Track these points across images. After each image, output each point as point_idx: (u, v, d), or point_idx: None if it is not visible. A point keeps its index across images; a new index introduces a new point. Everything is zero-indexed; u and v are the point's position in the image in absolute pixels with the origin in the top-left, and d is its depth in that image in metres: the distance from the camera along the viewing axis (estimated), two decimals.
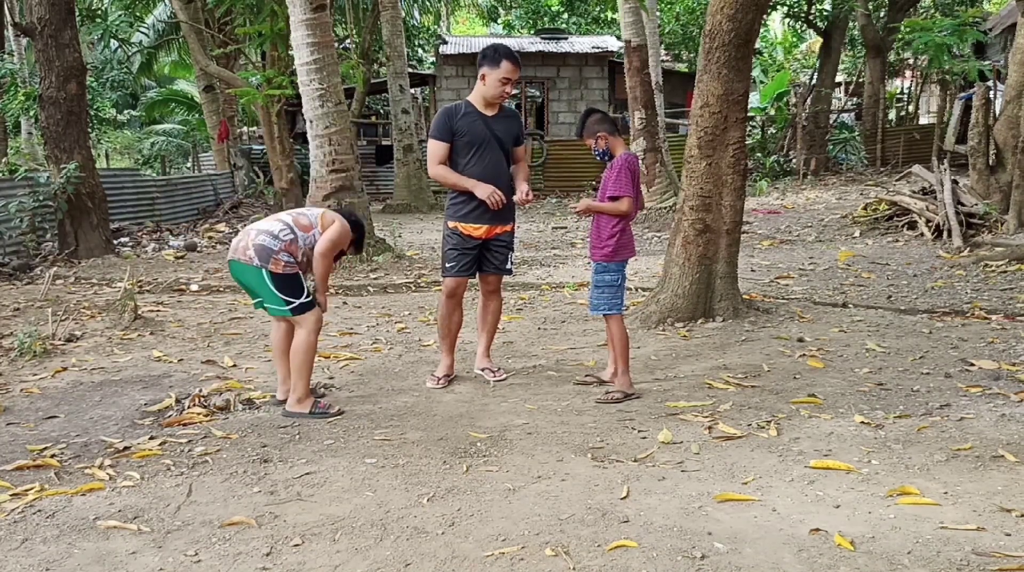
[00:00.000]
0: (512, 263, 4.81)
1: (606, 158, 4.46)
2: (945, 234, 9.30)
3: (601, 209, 4.43)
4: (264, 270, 4.00)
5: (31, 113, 12.24)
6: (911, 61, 23.27)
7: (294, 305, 4.07)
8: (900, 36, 17.83)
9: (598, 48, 21.31)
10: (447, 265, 4.62)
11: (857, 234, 10.46)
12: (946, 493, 3.04)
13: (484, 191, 4.38)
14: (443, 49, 21.30)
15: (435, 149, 4.51)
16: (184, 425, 4.06)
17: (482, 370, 4.81)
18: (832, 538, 2.71)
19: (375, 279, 8.43)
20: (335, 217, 4.24)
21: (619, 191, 4.34)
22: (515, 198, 4.54)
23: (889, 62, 21.85)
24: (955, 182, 9.88)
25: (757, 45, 11.29)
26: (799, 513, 2.92)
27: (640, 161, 13.01)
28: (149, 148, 24.73)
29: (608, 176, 4.42)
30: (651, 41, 13.94)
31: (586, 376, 4.72)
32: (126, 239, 12.06)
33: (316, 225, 4.17)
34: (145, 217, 13.84)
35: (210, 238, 12.73)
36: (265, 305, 4.15)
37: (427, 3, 24.73)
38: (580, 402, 4.30)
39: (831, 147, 19.50)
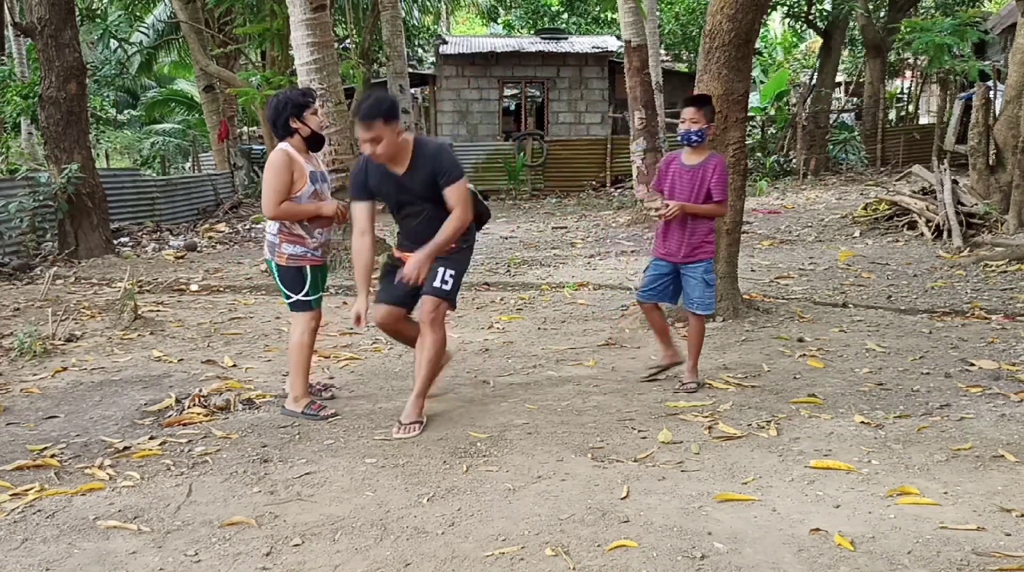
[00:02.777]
0: (441, 285, 3.87)
1: (691, 143, 4.33)
2: (945, 234, 9.30)
3: (702, 210, 4.32)
4: (272, 262, 4.11)
5: (19, 111, 12.21)
6: (911, 61, 23.26)
7: (292, 300, 4.12)
8: (900, 36, 17.83)
9: (598, 48, 21.31)
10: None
11: (857, 234, 10.46)
12: (946, 493, 3.04)
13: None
14: (443, 49, 21.30)
15: (354, 212, 3.96)
16: (184, 425, 4.06)
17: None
18: (832, 538, 2.71)
19: (375, 279, 8.41)
20: (267, 164, 4.03)
21: (725, 196, 4.32)
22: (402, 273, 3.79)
23: (889, 62, 21.84)
24: (955, 182, 9.88)
25: (757, 45, 11.29)
26: (799, 513, 2.92)
27: (641, 160, 13.05)
28: (149, 148, 24.73)
29: (701, 174, 4.30)
30: (651, 41, 13.93)
31: (652, 368, 4.72)
32: (126, 239, 12.06)
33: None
34: (145, 217, 13.83)
35: (210, 238, 12.73)
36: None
37: (427, 3, 24.72)
38: (580, 402, 4.29)
39: (831, 147, 19.49)
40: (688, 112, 4.31)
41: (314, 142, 4.10)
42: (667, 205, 4.31)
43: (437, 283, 3.84)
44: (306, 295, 4.11)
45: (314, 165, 4.15)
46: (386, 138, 3.61)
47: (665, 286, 4.51)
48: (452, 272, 3.87)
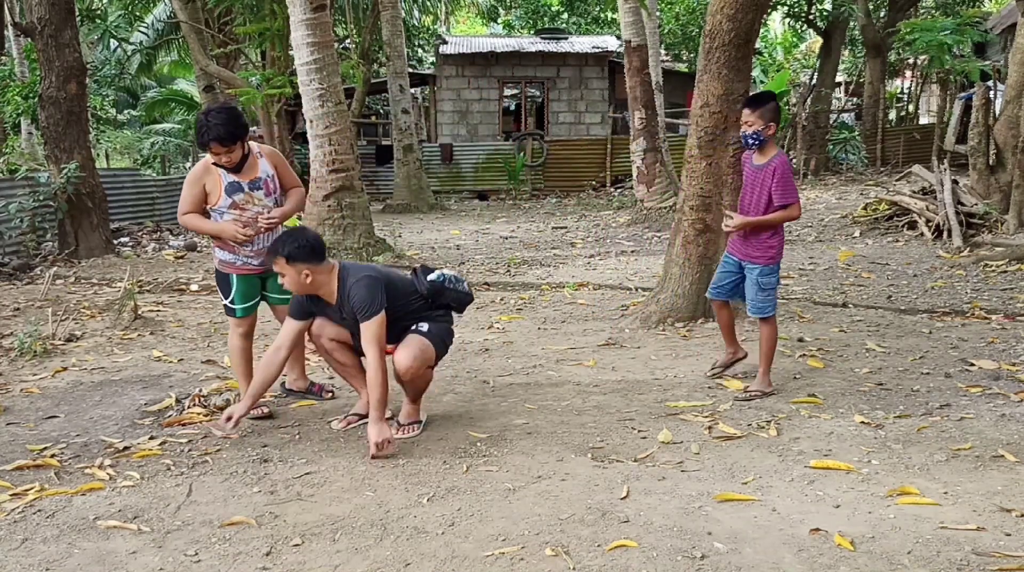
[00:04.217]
0: (417, 326, 3.86)
1: (752, 144, 4.24)
2: (945, 234, 9.30)
3: (768, 221, 4.21)
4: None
5: (21, 111, 12.21)
6: (911, 61, 23.26)
7: (223, 304, 4.21)
8: (900, 36, 17.83)
9: (598, 48, 21.31)
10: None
11: (857, 234, 10.46)
12: (946, 493, 3.04)
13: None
14: (443, 49, 21.30)
15: (284, 328, 3.93)
16: (184, 425, 4.06)
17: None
18: (832, 538, 2.71)
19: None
20: None
21: (789, 199, 4.17)
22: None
23: (889, 62, 21.84)
24: (955, 182, 9.87)
25: (757, 45, 11.28)
26: (799, 513, 2.92)
27: (641, 160, 13.04)
28: (149, 148, 24.72)
29: (763, 177, 4.20)
30: (651, 41, 13.93)
31: (724, 371, 4.67)
32: (126, 239, 12.06)
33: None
34: (145, 217, 13.84)
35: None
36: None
37: (427, 3, 24.72)
38: (580, 402, 4.29)
39: (831, 147, 19.48)
40: (744, 114, 4.23)
41: (229, 166, 3.96)
42: (730, 216, 4.33)
43: (413, 327, 3.79)
44: (232, 303, 4.13)
45: (243, 176, 3.98)
46: (288, 275, 3.61)
47: (733, 284, 4.47)
48: (427, 326, 3.80)
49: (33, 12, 10.11)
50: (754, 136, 4.20)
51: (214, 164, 3.96)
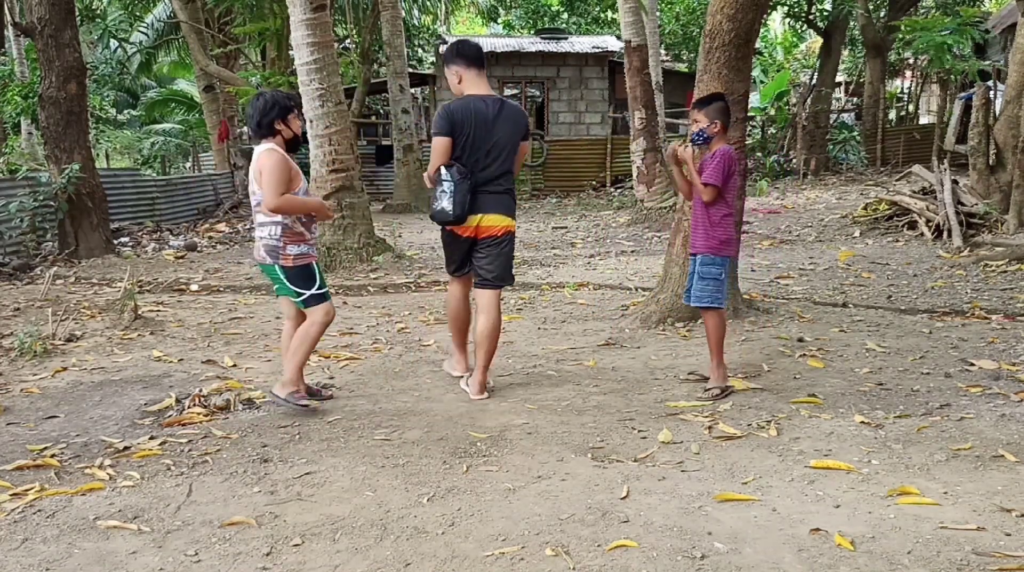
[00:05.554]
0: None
1: (698, 141, 4.39)
2: (945, 234, 9.30)
3: (689, 167, 4.38)
4: (277, 266, 4.13)
5: (20, 111, 12.23)
6: (911, 61, 23.25)
7: (305, 296, 4.15)
8: (900, 36, 17.82)
9: (598, 48, 21.30)
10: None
11: (857, 234, 10.46)
12: (946, 493, 3.04)
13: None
14: (443, 49, 21.27)
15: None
16: (184, 425, 4.06)
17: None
18: (832, 538, 2.71)
19: (375, 279, 8.43)
20: (260, 162, 4.06)
21: (711, 180, 4.28)
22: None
23: (889, 62, 21.84)
24: (955, 182, 9.88)
25: (757, 45, 11.28)
26: (799, 513, 2.92)
27: (641, 160, 13.04)
28: (149, 148, 24.74)
29: (706, 162, 4.34)
30: (651, 41, 13.93)
31: (689, 374, 4.68)
32: (126, 239, 12.06)
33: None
34: (145, 217, 13.84)
35: (210, 238, 12.73)
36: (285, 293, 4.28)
37: (427, 3, 24.72)
38: (580, 402, 4.29)
39: (831, 147, 19.48)
40: (692, 114, 4.42)
41: (294, 144, 4.21)
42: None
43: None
44: (319, 288, 4.15)
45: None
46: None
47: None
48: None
49: (33, 12, 10.11)
50: (699, 134, 4.37)
51: (285, 141, 4.13)
